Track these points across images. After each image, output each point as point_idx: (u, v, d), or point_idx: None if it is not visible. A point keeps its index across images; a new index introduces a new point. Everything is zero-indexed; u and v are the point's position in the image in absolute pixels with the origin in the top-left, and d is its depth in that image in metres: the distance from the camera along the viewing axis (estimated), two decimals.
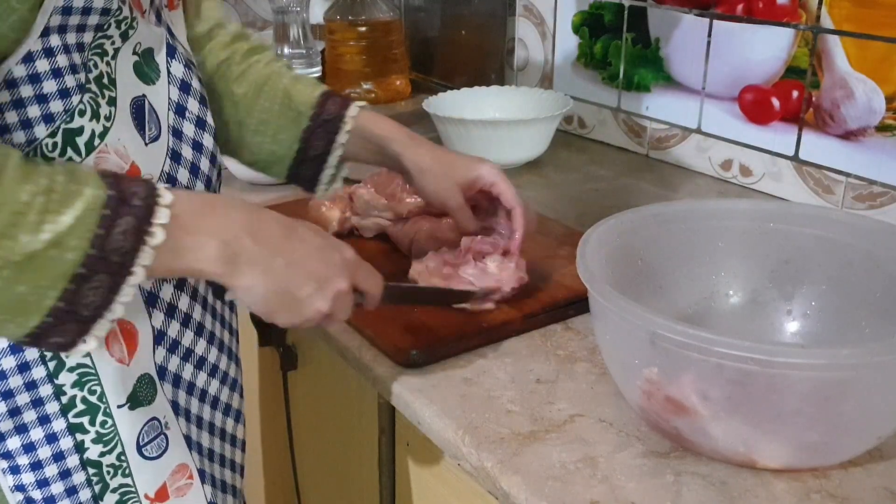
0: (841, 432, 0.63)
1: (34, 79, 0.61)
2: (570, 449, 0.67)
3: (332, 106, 0.87)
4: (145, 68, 0.70)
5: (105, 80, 0.65)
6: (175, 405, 0.73)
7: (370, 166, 0.93)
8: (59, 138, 0.62)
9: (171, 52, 0.73)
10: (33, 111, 0.61)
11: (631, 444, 0.68)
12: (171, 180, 0.71)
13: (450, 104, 1.37)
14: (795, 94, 1.16)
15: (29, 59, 0.60)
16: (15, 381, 0.65)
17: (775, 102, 1.19)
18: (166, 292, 0.71)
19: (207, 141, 0.75)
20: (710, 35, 1.25)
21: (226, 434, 0.82)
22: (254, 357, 1.22)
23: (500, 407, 0.72)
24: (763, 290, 0.80)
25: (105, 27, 0.65)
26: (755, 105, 1.21)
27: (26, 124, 0.61)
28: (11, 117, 0.61)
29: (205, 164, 0.75)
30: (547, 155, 1.35)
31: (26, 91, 0.61)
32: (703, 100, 1.29)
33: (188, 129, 0.73)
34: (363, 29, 1.70)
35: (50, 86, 0.62)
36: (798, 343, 0.78)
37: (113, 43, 0.66)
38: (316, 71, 1.40)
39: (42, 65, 0.61)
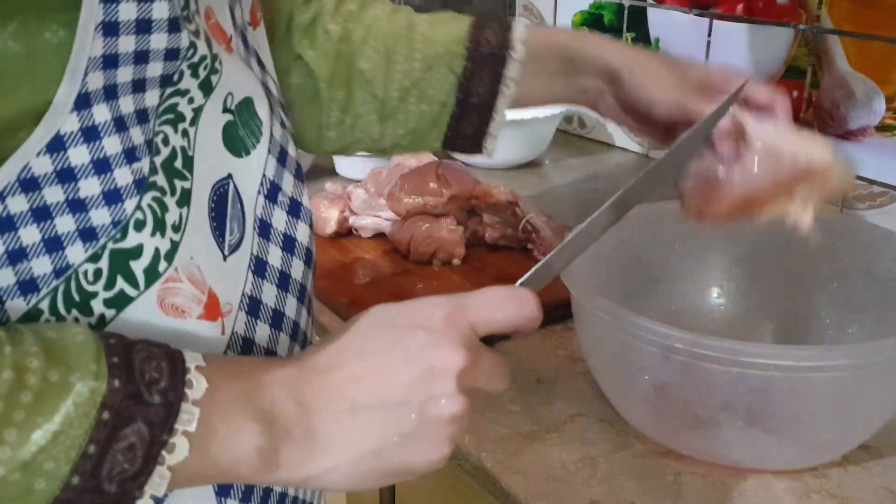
0: (850, 430, 0.63)
1: (65, 176, 0.40)
2: (570, 449, 0.67)
3: (491, 34, 0.68)
4: (241, 131, 0.49)
5: (178, 164, 0.44)
6: None
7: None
8: (104, 263, 0.41)
9: (273, 100, 0.52)
10: (64, 225, 0.40)
11: (631, 444, 0.68)
12: (255, 306, 0.49)
13: None
14: (795, 94, 1.16)
15: (58, 145, 0.39)
16: None
17: None
18: None
19: (302, 234, 0.53)
20: (710, 35, 1.25)
21: None
22: None
23: (500, 407, 0.72)
24: (749, 288, 0.80)
25: (175, 78, 0.43)
26: None
27: (53, 244, 0.40)
28: (30, 236, 0.40)
29: (297, 271, 0.52)
30: (547, 155, 1.35)
31: (53, 195, 0.40)
32: None
33: (279, 220, 0.51)
34: None
35: (91, 186, 0.40)
36: (788, 343, 0.78)
37: (191, 100, 0.45)
38: None
39: (78, 154, 0.40)
